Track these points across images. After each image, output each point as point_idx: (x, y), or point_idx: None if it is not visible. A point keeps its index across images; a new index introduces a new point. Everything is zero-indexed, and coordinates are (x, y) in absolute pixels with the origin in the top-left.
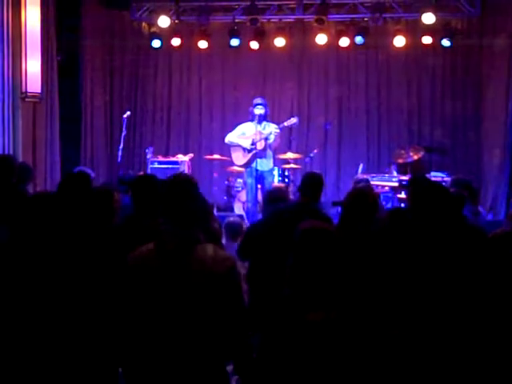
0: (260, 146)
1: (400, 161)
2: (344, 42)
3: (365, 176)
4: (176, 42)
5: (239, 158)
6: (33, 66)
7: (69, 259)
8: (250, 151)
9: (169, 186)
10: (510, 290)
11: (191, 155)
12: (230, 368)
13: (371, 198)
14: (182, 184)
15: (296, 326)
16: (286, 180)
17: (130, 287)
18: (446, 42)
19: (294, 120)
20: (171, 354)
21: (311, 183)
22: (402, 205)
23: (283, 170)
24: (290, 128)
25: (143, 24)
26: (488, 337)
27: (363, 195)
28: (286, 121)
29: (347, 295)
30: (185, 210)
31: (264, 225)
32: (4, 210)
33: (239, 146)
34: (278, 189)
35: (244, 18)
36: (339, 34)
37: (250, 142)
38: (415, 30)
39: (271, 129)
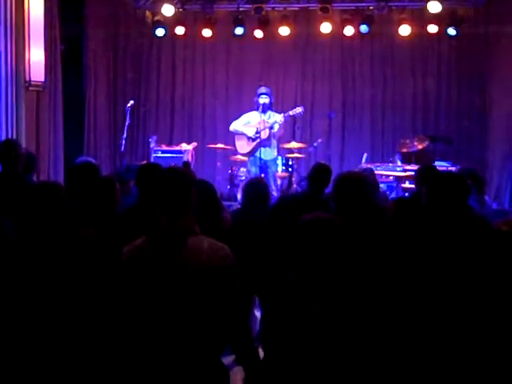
0: (264, 135)
1: (404, 150)
2: (349, 30)
3: (369, 165)
4: (180, 30)
5: (243, 147)
6: (36, 55)
7: (69, 251)
8: (254, 140)
9: (161, 177)
10: None
11: (195, 144)
12: (231, 359)
13: (354, 181)
14: (173, 175)
15: (299, 317)
16: (290, 169)
17: (125, 280)
18: (451, 31)
19: (299, 109)
20: (167, 348)
21: (319, 175)
22: (406, 194)
23: (287, 160)
24: (295, 117)
25: (147, 12)
26: (490, 331)
27: (345, 181)
28: (291, 110)
29: (350, 287)
30: (176, 201)
31: (270, 213)
32: (10, 201)
33: (243, 134)
34: (257, 182)
35: (248, 6)
36: (344, 23)
37: (254, 130)
38: (421, 18)
39: (276, 118)
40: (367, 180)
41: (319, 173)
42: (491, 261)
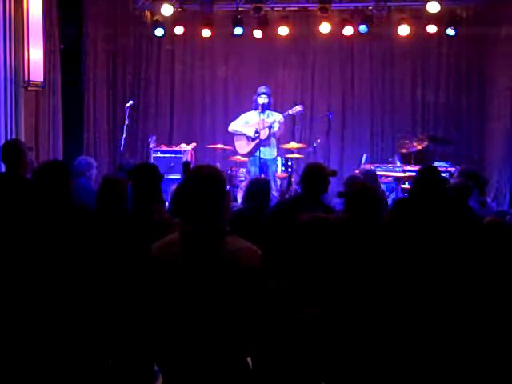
0: (263, 135)
1: (403, 151)
2: (348, 30)
3: (372, 167)
4: (179, 30)
5: (243, 147)
6: (35, 55)
7: (74, 246)
8: (253, 139)
9: (200, 177)
10: (504, 280)
11: (194, 144)
12: None
13: (375, 192)
14: (212, 175)
15: (293, 320)
16: (289, 170)
17: (155, 278)
18: (450, 31)
19: (298, 108)
20: (193, 344)
21: (311, 175)
22: (406, 195)
23: (286, 160)
24: (294, 117)
25: (146, 12)
26: (485, 334)
27: (367, 189)
28: (290, 109)
29: (346, 289)
30: (214, 201)
31: (266, 218)
32: (13, 202)
33: (243, 134)
34: (259, 182)
35: (247, 6)
36: (343, 23)
37: (253, 130)
38: (420, 18)
39: (275, 117)
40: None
41: (310, 173)
42: (482, 259)
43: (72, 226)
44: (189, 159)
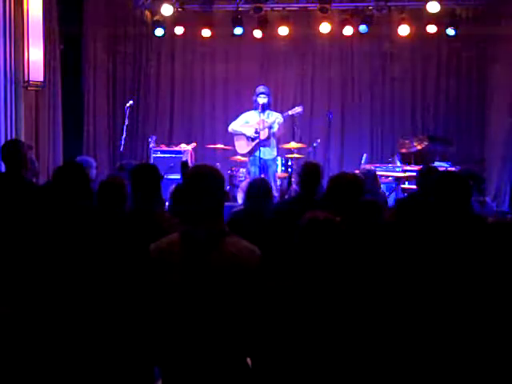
0: (263, 135)
1: (403, 150)
2: (348, 30)
3: (372, 167)
4: (179, 30)
5: (243, 147)
6: (35, 55)
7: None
8: (253, 139)
9: (198, 178)
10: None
11: (194, 144)
12: None
13: (349, 183)
14: (210, 175)
15: (297, 319)
16: (289, 170)
17: (154, 278)
18: (450, 31)
19: (298, 109)
20: (193, 344)
21: (309, 175)
22: (406, 195)
23: (286, 160)
24: (294, 117)
25: (146, 12)
26: (487, 335)
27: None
28: (290, 109)
29: (348, 287)
30: (213, 201)
31: (266, 220)
32: (14, 202)
33: (243, 134)
34: (260, 182)
35: (247, 6)
36: (343, 23)
37: (253, 130)
38: (420, 18)
39: (275, 117)
40: (361, 181)
41: (308, 173)
42: (489, 259)
43: (83, 226)
44: (189, 159)
